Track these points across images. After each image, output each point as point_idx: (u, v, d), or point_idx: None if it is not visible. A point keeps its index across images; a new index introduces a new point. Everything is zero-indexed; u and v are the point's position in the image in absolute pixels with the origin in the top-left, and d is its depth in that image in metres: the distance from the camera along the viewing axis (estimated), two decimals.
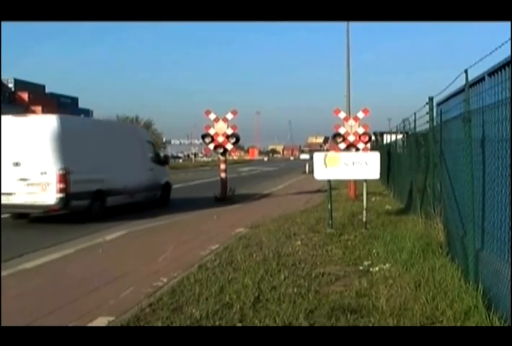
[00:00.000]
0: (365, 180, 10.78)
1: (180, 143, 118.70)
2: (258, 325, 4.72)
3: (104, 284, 6.56)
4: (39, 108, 64.55)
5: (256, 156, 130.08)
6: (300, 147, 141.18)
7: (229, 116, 17.68)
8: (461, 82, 6.00)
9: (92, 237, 10.22)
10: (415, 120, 10.97)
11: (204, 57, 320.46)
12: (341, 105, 21.40)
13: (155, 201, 15.81)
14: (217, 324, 4.80)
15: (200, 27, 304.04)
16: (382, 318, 4.79)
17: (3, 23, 6.61)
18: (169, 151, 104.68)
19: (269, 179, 31.25)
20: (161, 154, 18.22)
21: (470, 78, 5.60)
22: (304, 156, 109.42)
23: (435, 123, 8.46)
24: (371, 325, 4.66)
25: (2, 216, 12.28)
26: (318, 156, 10.47)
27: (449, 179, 6.89)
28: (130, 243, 9.74)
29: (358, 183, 16.01)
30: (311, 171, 13.09)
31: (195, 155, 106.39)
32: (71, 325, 4.89)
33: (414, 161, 11.36)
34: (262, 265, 7.03)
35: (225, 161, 18.20)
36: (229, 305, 5.31)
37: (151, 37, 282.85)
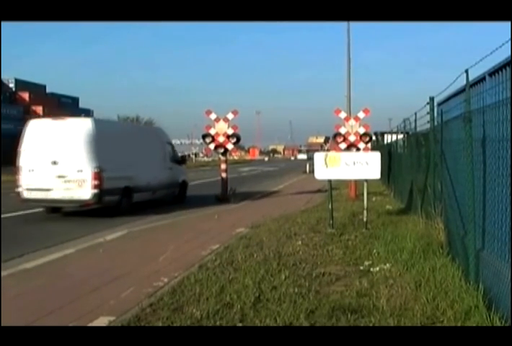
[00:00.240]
0: (366, 180, 10.79)
1: (181, 143, 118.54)
2: (259, 325, 4.72)
3: (104, 284, 6.56)
4: (39, 108, 64.59)
5: (257, 156, 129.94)
6: (301, 147, 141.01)
7: (230, 116, 17.68)
8: (461, 82, 6.00)
9: (93, 237, 10.23)
10: (415, 120, 10.97)
11: (204, 57, 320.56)
12: (342, 105, 21.41)
13: (173, 198, 17.06)
14: (217, 324, 4.80)
15: (200, 27, 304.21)
16: (383, 318, 4.79)
17: (3, 23, 6.62)
18: None
19: (269, 179, 31.26)
20: (179, 154, 19.23)
21: (471, 78, 5.60)
22: (302, 156, 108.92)
23: (435, 123, 8.45)
24: (371, 325, 4.66)
25: (37, 210, 14.09)
26: (319, 156, 10.47)
27: (450, 179, 6.88)
28: (131, 243, 9.74)
29: (358, 183, 16.02)
30: (312, 171, 13.10)
31: (196, 155, 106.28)
32: (71, 325, 4.89)
33: (414, 161, 11.36)
34: (263, 265, 7.03)
35: (225, 161, 18.21)
36: (230, 305, 5.31)
37: (151, 37, 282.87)
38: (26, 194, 13.55)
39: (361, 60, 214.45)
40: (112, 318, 5.09)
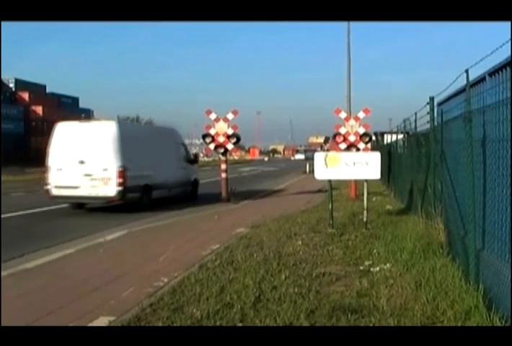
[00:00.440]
0: (366, 180, 10.79)
1: None
2: (259, 325, 4.72)
3: (104, 284, 6.56)
4: (39, 108, 64.61)
5: (257, 156, 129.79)
6: (301, 147, 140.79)
7: (230, 116, 17.68)
8: (461, 82, 6.00)
9: (93, 237, 10.23)
10: (415, 120, 10.97)
11: (204, 57, 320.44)
12: (342, 105, 21.41)
13: (186, 195, 18.09)
14: (218, 323, 4.80)
15: (200, 27, 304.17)
16: (383, 318, 4.79)
17: (3, 23, 6.62)
18: None
19: (270, 179, 31.27)
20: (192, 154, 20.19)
21: (471, 78, 5.60)
22: (299, 156, 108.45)
23: (435, 123, 8.45)
24: (371, 325, 4.66)
25: (62, 205, 15.22)
26: (318, 156, 10.47)
27: (450, 179, 6.88)
28: (131, 243, 9.74)
29: (358, 183, 16.02)
30: (312, 171, 13.10)
31: (196, 155, 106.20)
32: (71, 325, 4.89)
33: (414, 161, 11.36)
34: (263, 265, 7.03)
35: (226, 161, 18.21)
36: (230, 305, 5.31)
37: (150, 37, 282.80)
38: (54, 192, 14.57)
39: (361, 60, 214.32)
40: (112, 318, 5.09)
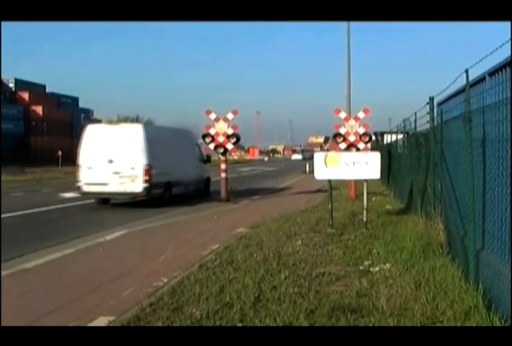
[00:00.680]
0: (366, 180, 10.79)
1: None
2: (258, 325, 4.72)
3: (104, 283, 6.56)
4: (39, 108, 64.61)
5: (256, 156, 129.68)
6: (300, 147, 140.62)
7: (230, 116, 17.67)
8: (461, 82, 6.00)
9: (93, 237, 10.23)
10: (415, 120, 10.96)
11: (204, 56, 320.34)
12: (342, 104, 21.41)
13: (199, 192, 19.27)
14: (217, 323, 4.80)
15: (200, 27, 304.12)
16: (382, 318, 4.79)
17: (3, 23, 6.62)
18: None
19: (269, 179, 31.25)
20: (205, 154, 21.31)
21: (470, 78, 5.60)
22: (296, 157, 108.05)
23: (435, 123, 8.45)
24: (371, 325, 4.66)
25: (88, 201, 16.59)
26: (318, 156, 10.47)
27: (450, 179, 6.88)
28: (131, 243, 9.74)
29: (358, 183, 16.02)
30: (312, 171, 13.10)
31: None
32: (71, 325, 4.89)
33: (414, 161, 11.36)
34: (263, 265, 7.03)
35: (225, 161, 18.20)
36: (230, 305, 5.31)
37: (150, 37, 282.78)
38: (85, 188, 15.79)
39: (361, 60, 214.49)
40: (112, 318, 5.10)
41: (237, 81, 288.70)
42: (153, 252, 8.47)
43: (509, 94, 4.18)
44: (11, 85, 65.27)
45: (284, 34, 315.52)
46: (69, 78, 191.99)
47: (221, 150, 17.63)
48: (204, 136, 17.73)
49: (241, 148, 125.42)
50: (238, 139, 17.82)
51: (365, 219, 10.27)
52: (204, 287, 5.98)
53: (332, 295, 5.65)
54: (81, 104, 76.92)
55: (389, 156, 18.01)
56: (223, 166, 17.96)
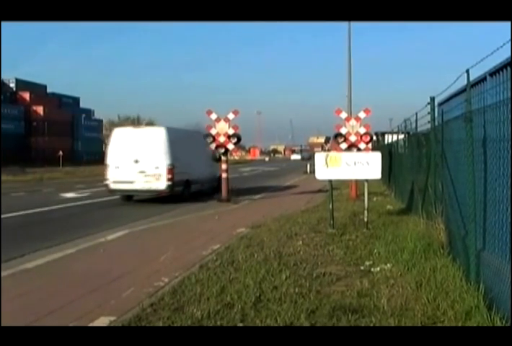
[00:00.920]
0: (367, 180, 10.79)
1: None
2: (259, 325, 4.73)
3: (105, 284, 6.56)
4: (40, 108, 64.70)
5: (257, 156, 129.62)
6: (301, 146, 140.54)
7: (231, 116, 17.67)
8: (462, 82, 6.00)
9: (93, 237, 10.24)
10: (416, 120, 10.95)
11: (205, 57, 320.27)
12: (343, 104, 21.41)
13: (213, 189, 19.81)
14: (218, 324, 4.80)
15: (200, 27, 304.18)
16: (383, 319, 4.79)
17: (3, 23, 6.62)
18: None
19: (270, 179, 31.26)
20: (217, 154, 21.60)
21: (471, 78, 5.59)
22: (295, 157, 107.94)
23: (436, 123, 8.45)
24: (372, 325, 4.66)
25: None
26: (319, 156, 10.47)
27: (450, 179, 6.88)
28: (132, 243, 9.74)
29: (359, 183, 16.00)
30: (312, 171, 13.09)
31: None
32: (71, 325, 4.90)
33: (415, 161, 11.35)
34: (264, 265, 7.03)
35: (226, 161, 18.21)
36: (230, 305, 5.31)
37: (150, 37, 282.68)
38: (112, 186, 17.18)
39: (362, 60, 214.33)
40: (112, 318, 5.10)
41: (238, 81, 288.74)
42: (154, 252, 8.47)
43: (510, 94, 4.18)
44: (12, 85, 65.36)
45: (285, 34, 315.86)
46: (70, 79, 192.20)
47: (222, 150, 17.64)
48: (205, 136, 17.75)
49: (242, 148, 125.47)
50: (239, 139, 17.83)
51: (366, 219, 10.26)
52: (205, 288, 5.98)
53: (333, 295, 5.65)
54: (82, 105, 77.05)
55: (390, 156, 18.00)
56: (224, 166, 17.97)
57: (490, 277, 4.88)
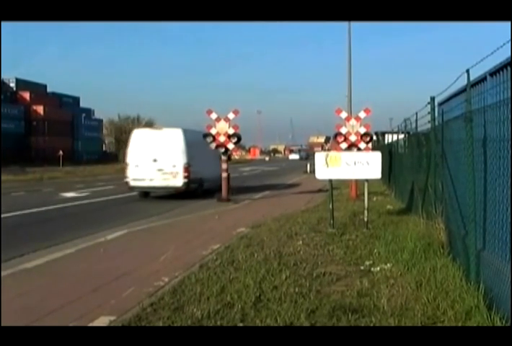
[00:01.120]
0: (367, 180, 10.78)
1: None
2: (259, 325, 4.72)
3: (105, 283, 6.56)
4: (40, 108, 64.70)
5: (257, 156, 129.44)
6: (301, 146, 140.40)
7: (231, 115, 17.67)
8: (462, 82, 6.00)
9: (93, 237, 10.24)
10: (416, 120, 10.95)
11: (205, 56, 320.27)
12: (343, 104, 21.40)
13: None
14: (218, 323, 4.80)
15: (199, 27, 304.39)
16: (383, 318, 4.79)
17: (3, 23, 6.62)
18: None
19: (270, 179, 31.26)
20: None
21: (471, 78, 5.59)
22: (293, 157, 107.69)
23: (436, 123, 8.44)
24: (372, 325, 4.66)
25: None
26: (319, 156, 10.46)
27: (451, 179, 6.88)
28: (131, 242, 9.74)
29: (359, 183, 16.01)
30: (312, 171, 13.08)
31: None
32: (71, 325, 4.89)
33: (415, 161, 11.35)
34: (264, 265, 7.03)
35: (226, 161, 18.22)
36: (230, 304, 5.31)
37: (151, 37, 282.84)
38: (132, 183, 18.63)
39: (362, 60, 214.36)
40: (112, 318, 5.10)
41: (238, 81, 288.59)
42: (154, 252, 8.47)
43: (510, 94, 4.18)
44: (12, 85, 65.36)
45: (285, 34, 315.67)
46: (70, 78, 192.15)
47: (222, 150, 17.64)
48: (205, 136, 17.75)
49: (242, 147, 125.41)
50: (239, 139, 17.83)
51: (366, 219, 10.26)
52: (205, 287, 5.98)
53: (332, 295, 5.65)
54: (82, 104, 77.03)
55: (390, 156, 18.00)
56: (224, 165, 17.97)
57: (490, 277, 4.88)
